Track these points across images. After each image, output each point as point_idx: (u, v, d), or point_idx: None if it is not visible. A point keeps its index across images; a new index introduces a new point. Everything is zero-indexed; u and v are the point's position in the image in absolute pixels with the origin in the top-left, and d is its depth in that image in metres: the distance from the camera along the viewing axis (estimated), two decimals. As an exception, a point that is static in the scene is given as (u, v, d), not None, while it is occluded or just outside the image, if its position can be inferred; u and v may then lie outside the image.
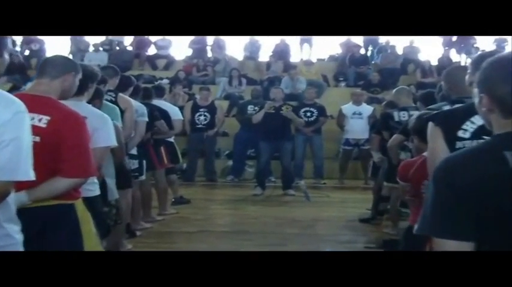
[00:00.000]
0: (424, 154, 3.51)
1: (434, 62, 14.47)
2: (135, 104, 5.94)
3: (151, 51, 15.87)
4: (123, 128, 5.02)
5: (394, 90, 6.97)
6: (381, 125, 6.88)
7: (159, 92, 8.07)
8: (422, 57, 15.06)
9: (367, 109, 10.90)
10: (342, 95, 12.93)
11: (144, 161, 6.48)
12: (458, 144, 2.60)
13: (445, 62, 14.07)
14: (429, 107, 4.01)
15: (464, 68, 3.71)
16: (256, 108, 10.25)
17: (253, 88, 11.94)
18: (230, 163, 11.34)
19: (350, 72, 14.42)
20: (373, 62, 15.14)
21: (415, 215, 3.61)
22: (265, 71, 14.34)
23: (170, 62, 15.43)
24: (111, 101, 5.18)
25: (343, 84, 14.46)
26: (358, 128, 10.60)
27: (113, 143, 3.57)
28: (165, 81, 13.65)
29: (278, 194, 9.51)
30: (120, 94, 5.62)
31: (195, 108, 10.74)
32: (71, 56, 14.59)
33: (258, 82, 13.82)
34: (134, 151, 6.15)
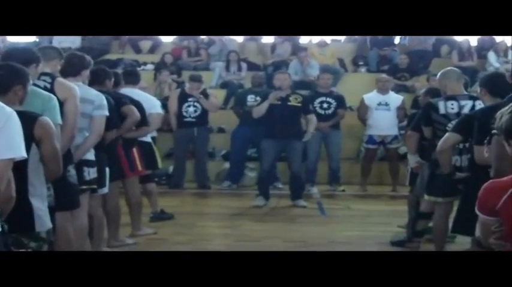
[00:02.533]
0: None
1: (473, 42, 13.89)
2: (89, 93, 5.10)
3: (134, 31, 15.09)
4: (62, 127, 4.10)
5: (439, 73, 6.16)
6: (421, 118, 6.08)
7: (131, 78, 7.26)
8: (458, 36, 14.19)
9: (395, 99, 10.47)
10: (362, 82, 12.66)
11: (107, 169, 5.57)
12: None
13: (486, 42, 13.40)
14: None
15: None
16: (258, 98, 9.72)
17: (254, 74, 11.48)
18: (227, 165, 10.88)
19: (371, 55, 14.08)
20: (399, 43, 14.76)
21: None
22: (270, 54, 13.95)
23: (156, 44, 14.98)
24: (45, 89, 4.29)
25: (363, 69, 14.12)
26: (384, 122, 10.12)
27: (19, 153, 2.52)
28: (150, 66, 13.48)
29: (285, 205, 8.96)
30: (59, 79, 4.65)
31: (183, 97, 10.32)
32: (36, 39, 13.72)
33: (261, 67, 13.49)
34: (91, 156, 5.19)
